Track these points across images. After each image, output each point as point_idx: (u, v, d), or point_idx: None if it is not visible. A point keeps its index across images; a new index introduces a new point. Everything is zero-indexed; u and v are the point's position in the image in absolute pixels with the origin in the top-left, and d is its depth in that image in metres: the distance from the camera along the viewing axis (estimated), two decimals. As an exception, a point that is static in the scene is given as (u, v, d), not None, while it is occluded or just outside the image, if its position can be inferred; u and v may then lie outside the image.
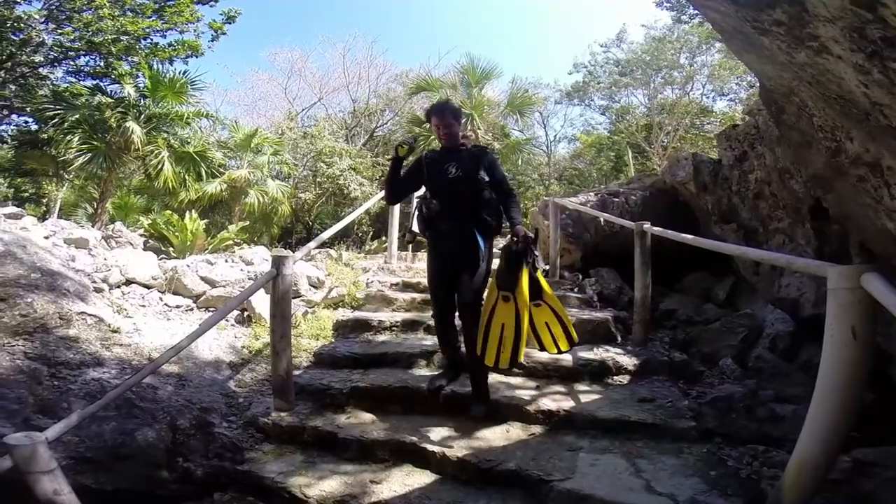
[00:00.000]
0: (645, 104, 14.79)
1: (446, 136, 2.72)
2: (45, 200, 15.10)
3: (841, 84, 1.67)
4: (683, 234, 3.19)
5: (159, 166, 9.93)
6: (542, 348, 2.70)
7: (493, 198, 2.68)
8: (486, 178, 2.65)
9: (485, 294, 2.68)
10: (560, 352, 2.69)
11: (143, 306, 4.06)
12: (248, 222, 10.53)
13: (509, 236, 2.62)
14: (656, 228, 3.53)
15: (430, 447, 2.33)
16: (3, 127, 12.16)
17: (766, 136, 3.66)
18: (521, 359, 2.61)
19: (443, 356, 3.00)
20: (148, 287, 4.41)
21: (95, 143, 9.48)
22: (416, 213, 2.81)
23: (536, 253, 2.60)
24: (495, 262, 2.78)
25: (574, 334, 2.65)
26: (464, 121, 11.27)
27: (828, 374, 1.56)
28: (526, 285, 2.54)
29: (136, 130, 9.51)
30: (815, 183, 2.91)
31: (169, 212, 7.83)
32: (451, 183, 2.66)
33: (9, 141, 12.29)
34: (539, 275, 2.62)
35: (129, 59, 11.31)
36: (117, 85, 10.72)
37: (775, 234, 3.81)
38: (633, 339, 3.62)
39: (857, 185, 2.30)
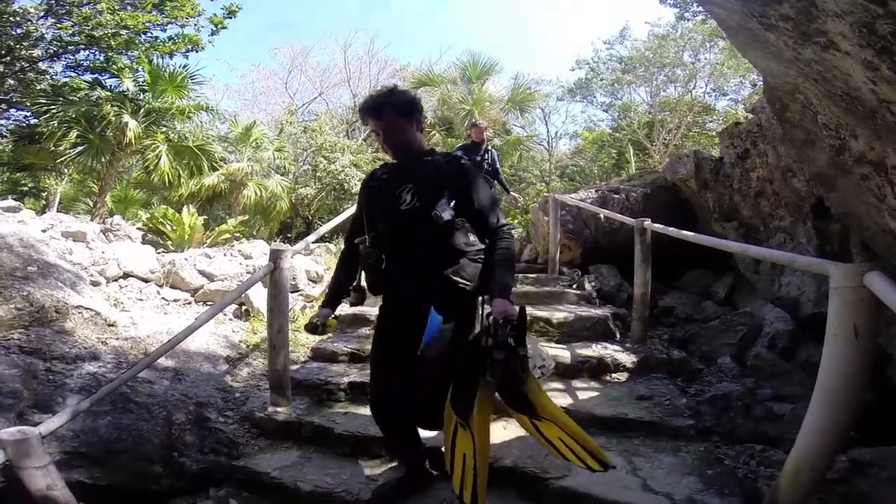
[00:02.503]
0: (647, 101, 14.72)
1: (392, 144, 1.81)
2: (44, 194, 15.07)
3: (848, 81, 1.64)
4: (684, 231, 3.17)
5: (156, 160, 9.91)
6: (564, 458, 1.81)
7: (475, 242, 1.75)
8: (446, 215, 1.65)
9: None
10: (592, 470, 1.75)
11: (141, 300, 4.05)
12: (246, 216, 10.52)
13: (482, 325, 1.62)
14: (657, 225, 3.51)
15: (426, 443, 2.31)
16: (2, 121, 12.13)
17: (768, 133, 3.63)
18: None
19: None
20: (146, 280, 4.40)
21: (91, 137, 9.46)
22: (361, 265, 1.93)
23: (527, 350, 1.64)
24: None
25: (604, 456, 1.72)
26: (463, 114, 11.18)
27: (828, 372, 1.54)
28: (488, 407, 1.68)
29: (131, 125, 9.48)
30: (818, 181, 2.89)
31: (165, 206, 7.82)
32: (401, 220, 1.75)
33: (7, 135, 12.25)
34: (530, 383, 1.69)
35: (129, 53, 11.24)
36: (117, 79, 10.68)
37: (776, 232, 3.79)
38: (632, 337, 3.60)
39: (861, 183, 2.27)
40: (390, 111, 1.77)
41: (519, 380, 1.65)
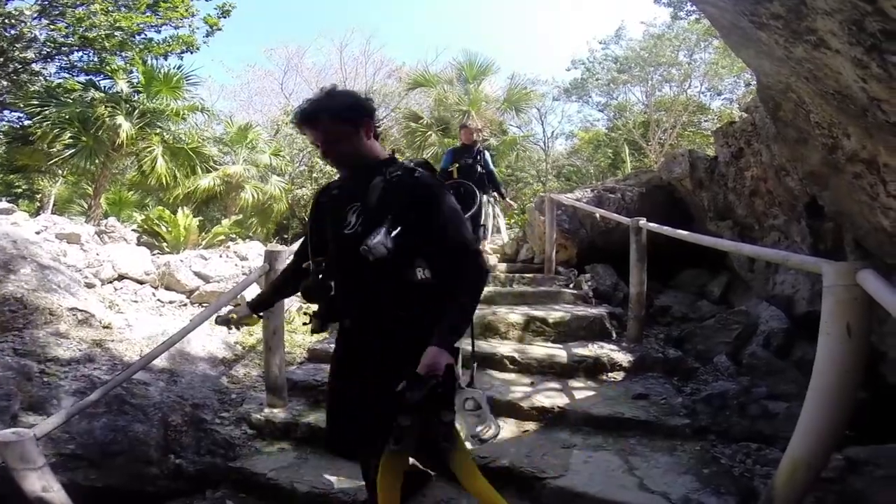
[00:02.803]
0: (643, 101, 14.80)
1: (333, 157, 1.54)
2: (38, 196, 14.99)
3: (839, 79, 1.65)
4: (679, 231, 3.18)
5: (153, 162, 9.88)
6: None
7: (430, 278, 1.42)
8: (380, 249, 1.33)
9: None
10: None
11: (136, 301, 4.03)
12: (241, 217, 10.50)
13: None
14: (652, 224, 3.52)
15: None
16: (-4, 123, 12.06)
17: (762, 132, 3.65)
18: None
19: None
20: (140, 282, 4.38)
21: (84, 138, 9.42)
22: None
23: (453, 417, 1.34)
24: None
25: None
26: (459, 114, 11.19)
27: (822, 371, 1.55)
28: (392, 476, 1.43)
29: (125, 126, 9.46)
30: (811, 180, 2.91)
31: (161, 207, 7.80)
32: (346, 244, 1.45)
33: (1, 137, 12.17)
34: (458, 457, 1.40)
35: (123, 54, 11.20)
36: (111, 81, 10.63)
37: (771, 230, 3.81)
38: (628, 336, 3.61)
39: (853, 182, 2.29)
40: (327, 118, 1.48)
41: (440, 450, 1.33)
